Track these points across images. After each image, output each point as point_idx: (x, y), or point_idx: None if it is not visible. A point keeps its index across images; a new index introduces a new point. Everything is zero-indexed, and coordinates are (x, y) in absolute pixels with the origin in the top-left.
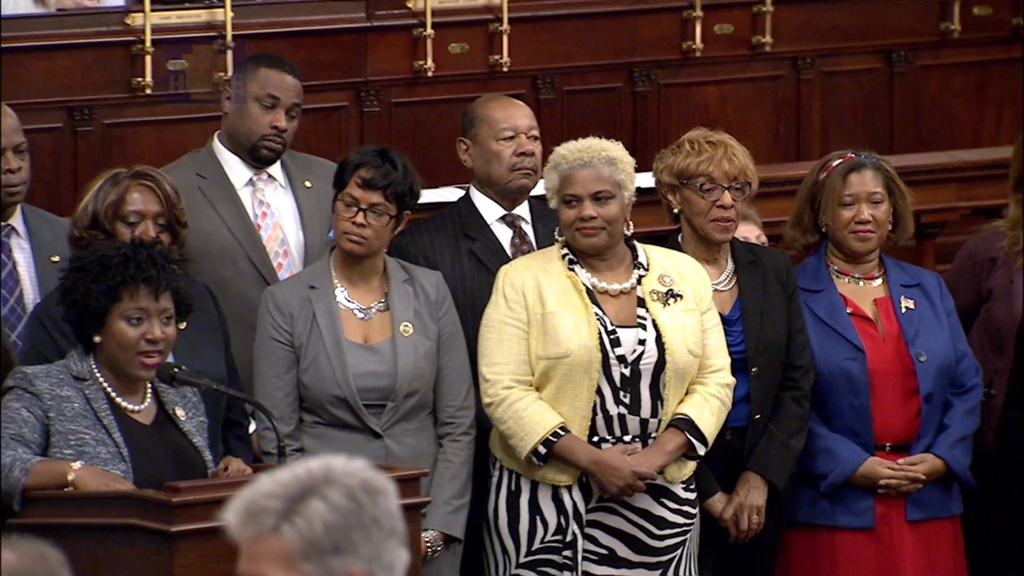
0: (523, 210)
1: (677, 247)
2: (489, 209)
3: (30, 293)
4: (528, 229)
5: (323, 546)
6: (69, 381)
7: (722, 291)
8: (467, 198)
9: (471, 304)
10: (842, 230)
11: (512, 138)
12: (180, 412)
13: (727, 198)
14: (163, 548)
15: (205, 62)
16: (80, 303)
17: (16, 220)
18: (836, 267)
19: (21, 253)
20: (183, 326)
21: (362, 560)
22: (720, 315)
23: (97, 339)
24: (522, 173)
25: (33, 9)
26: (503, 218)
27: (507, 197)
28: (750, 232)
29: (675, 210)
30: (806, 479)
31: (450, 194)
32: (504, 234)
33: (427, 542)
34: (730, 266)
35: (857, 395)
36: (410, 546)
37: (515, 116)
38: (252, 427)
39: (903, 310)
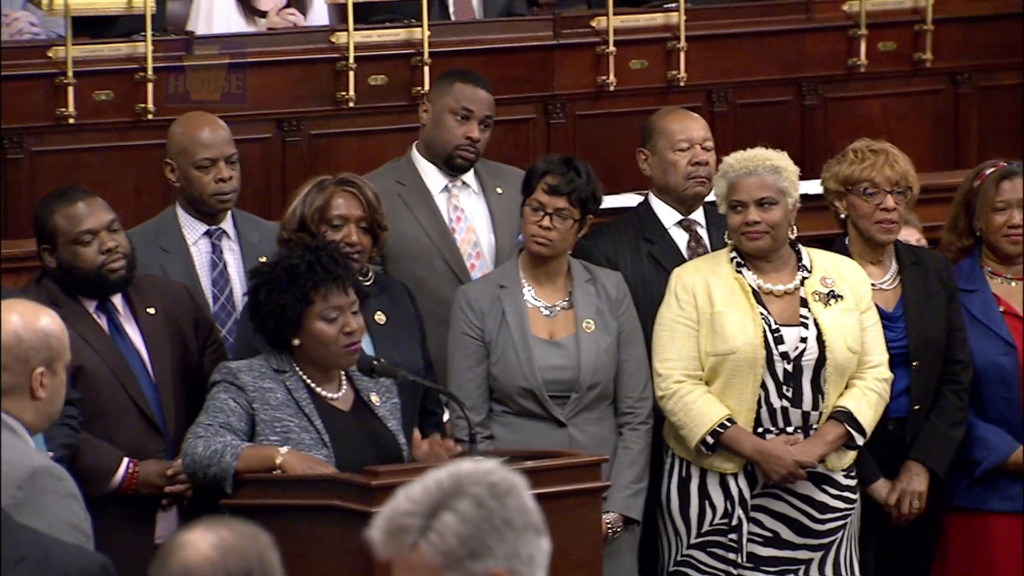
0: (698, 215)
1: (844, 250)
2: (667, 214)
3: (239, 291)
4: (703, 233)
5: (460, 555)
6: (270, 374)
7: (886, 290)
8: (646, 203)
9: (650, 303)
10: (995, 234)
11: (687, 148)
12: (375, 397)
13: (889, 201)
14: (363, 527)
15: (404, 77)
16: (276, 312)
17: (227, 224)
18: (989, 268)
19: (231, 254)
20: (382, 320)
21: (500, 559)
22: (884, 312)
23: (296, 342)
24: (697, 181)
25: (244, 27)
26: (680, 223)
27: (683, 203)
28: (910, 235)
29: (842, 215)
30: (962, 466)
31: (630, 200)
32: (681, 238)
33: (608, 524)
34: (894, 266)
35: (1009, 388)
36: (592, 527)
37: (691, 128)
38: (446, 416)
39: None
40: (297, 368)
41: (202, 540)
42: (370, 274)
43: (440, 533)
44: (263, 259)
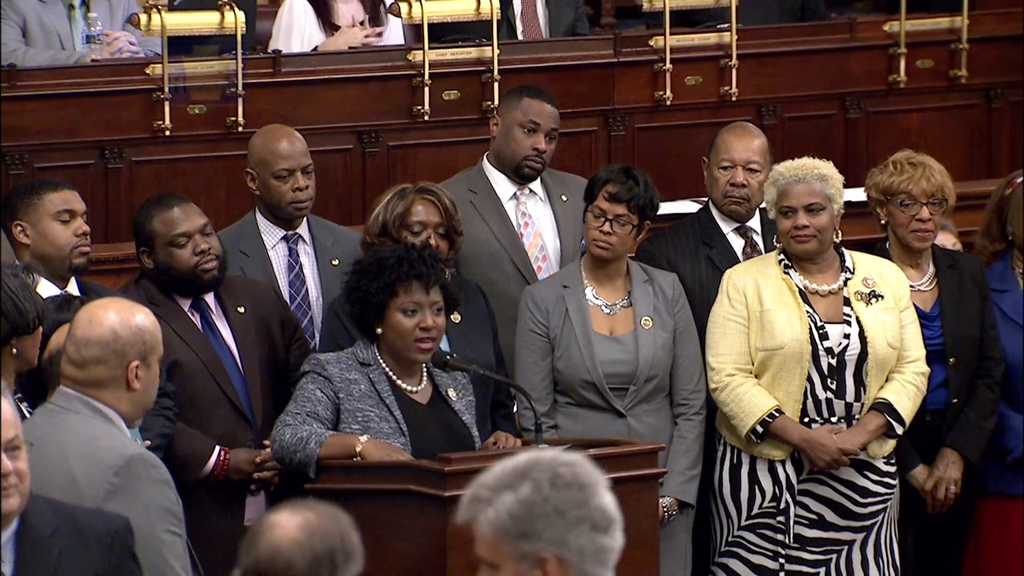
0: (755, 222)
1: (885, 253)
2: (725, 221)
3: (313, 292)
4: (758, 239)
5: (510, 532)
6: (356, 366)
7: (924, 291)
8: (706, 210)
9: (707, 303)
10: None
11: (728, 168)
12: (452, 393)
13: (925, 212)
14: (437, 510)
15: (475, 92)
16: (363, 299)
17: (303, 229)
18: (1020, 270)
19: (306, 257)
20: (457, 319)
21: (548, 544)
22: (922, 311)
23: (379, 330)
24: (732, 200)
25: (323, 40)
26: (737, 229)
27: (726, 216)
28: (946, 240)
29: (883, 221)
30: (994, 453)
31: (686, 207)
32: (737, 243)
33: (664, 507)
34: (931, 269)
35: None
36: (649, 511)
37: (734, 148)
38: (515, 407)
39: None
40: (381, 361)
41: (289, 523)
42: (447, 276)
43: (497, 509)
44: (335, 261)
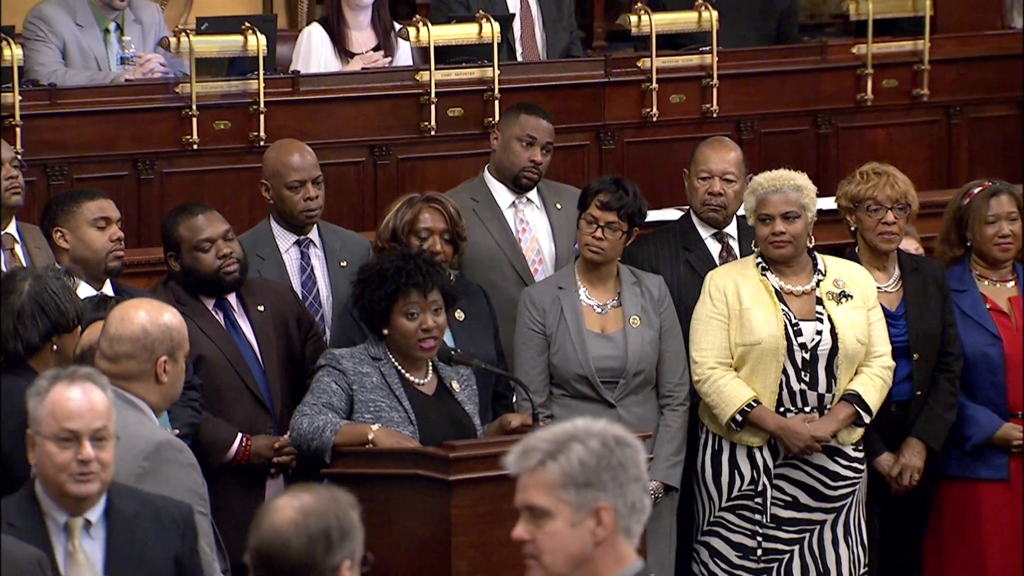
0: (732, 228)
1: (855, 257)
2: (703, 227)
3: (324, 291)
4: (734, 244)
5: (577, 480)
6: (368, 360)
7: (890, 292)
8: (687, 217)
9: (686, 302)
10: (987, 243)
11: (707, 179)
12: (456, 385)
13: (890, 216)
14: (442, 493)
15: (477, 109)
16: (368, 306)
17: (313, 234)
18: (977, 272)
19: (317, 260)
20: (461, 317)
21: (609, 496)
22: (889, 311)
23: (385, 332)
24: (709, 208)
25: (338, 66)
26: (714, 235)
27: (707, 223)
28: (909, 245)
29: (852, 228)
30: (954, 440)
31: (670, 214)
32: (715, 248)
33: (651, 490)
34: (897, 272)
35: (995, 373)
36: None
37: (712, 160)
38: (514, 398)
39: None
40: (391, 356)
41: (288, 506)
42: (451, 278)
43: (568, 457)
44: (344, 263)
